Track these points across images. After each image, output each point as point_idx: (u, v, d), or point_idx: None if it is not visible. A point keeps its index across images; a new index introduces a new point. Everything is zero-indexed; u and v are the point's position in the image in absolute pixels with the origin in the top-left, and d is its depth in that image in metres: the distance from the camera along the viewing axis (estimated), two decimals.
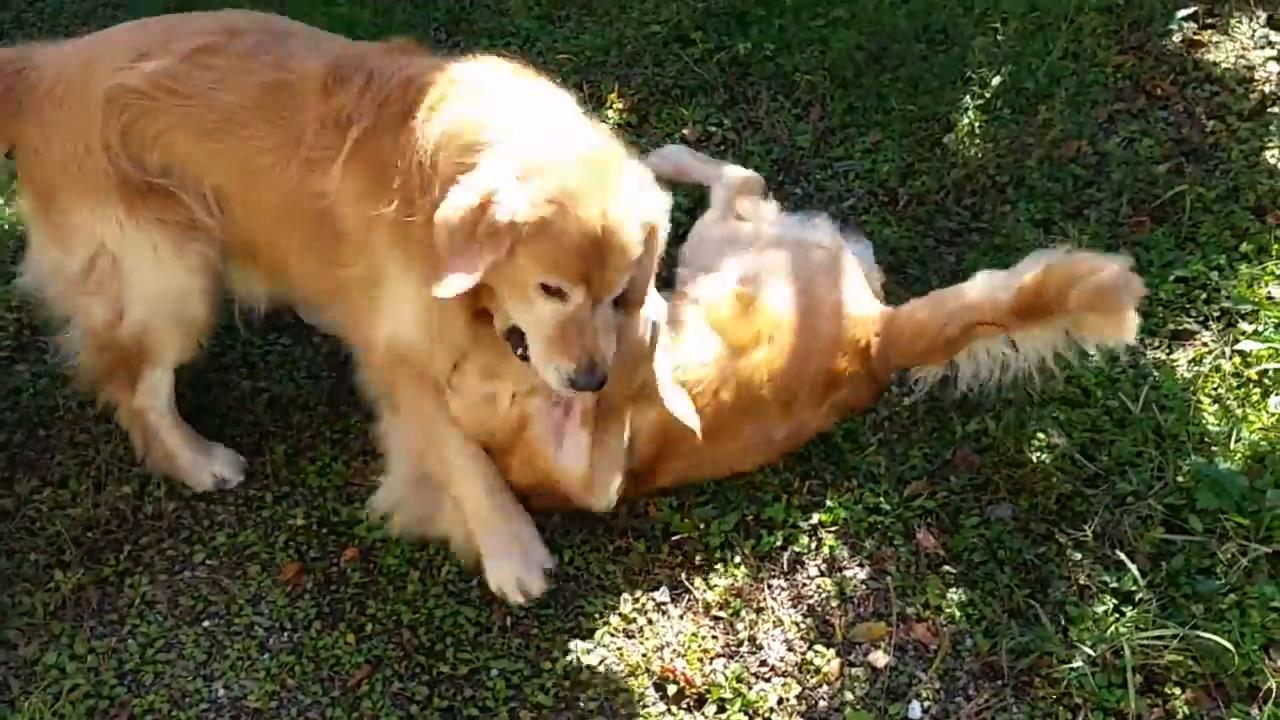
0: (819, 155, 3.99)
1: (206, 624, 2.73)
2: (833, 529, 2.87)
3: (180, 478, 2.97)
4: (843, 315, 3.05)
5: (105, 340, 2.76)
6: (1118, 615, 2.60)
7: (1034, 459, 2.94)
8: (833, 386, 2.99)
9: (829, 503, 2.92)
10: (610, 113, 4.12)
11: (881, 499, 2.90)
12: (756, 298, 3.00)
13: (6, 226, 3.68)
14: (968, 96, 4.02)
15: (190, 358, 2.93)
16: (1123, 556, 2.68)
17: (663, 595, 2.75)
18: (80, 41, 2.74)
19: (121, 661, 2.64)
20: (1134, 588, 2.63)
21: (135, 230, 2.62)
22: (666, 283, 3.19)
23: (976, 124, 3.95)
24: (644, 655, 2.64)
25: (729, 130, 4.08)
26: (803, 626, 2.69)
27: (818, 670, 2.60)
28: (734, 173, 3.63)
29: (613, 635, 2.68)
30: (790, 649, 2.65)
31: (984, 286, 2.97)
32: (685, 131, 4.10)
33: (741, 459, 2.97)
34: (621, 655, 2.64)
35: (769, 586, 2.77)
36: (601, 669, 2.61)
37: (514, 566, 2.65)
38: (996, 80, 4.03)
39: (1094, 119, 3.88)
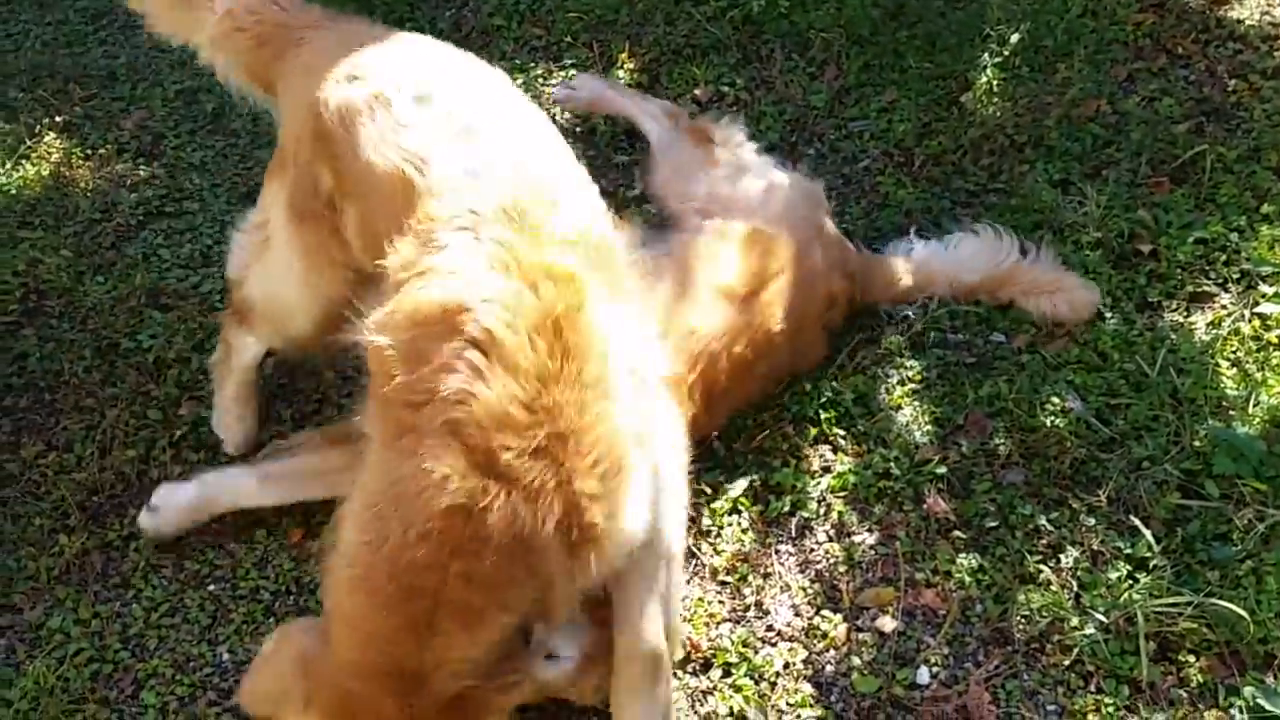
0: (833, 115, 3.92)
1: (211, 588, 2.72)
2: (841, 494, 2.83)
3: (214, 430, 2.98)
4: (838, 237, 3.19)
5: (230, 282, 2.83)
6: (1131, 582, 2.56)
7: (1047, 423, 2.89)
8: (829, 307, 3.07)
9: (838, 468, 2.88)
10: (621, 73, 4.06)
11: (891, 464, 2.86)
12: (773, 236, 2.99)
13: (14, 191, 3.66)
14: (986, 55, 3.94)
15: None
16: (1137, 522, 2.64)
17: None
18: (342, 25, 2.66)
19: (126, 626, 2.64)
20: (1148, 554, 2.59)
21: (287, 236, 2.57)
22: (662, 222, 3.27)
23: (994, 83, 3.87)
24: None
25: (741, 90, 4.02)
26: (810, 592, 2.66)
27: (824, 635, 2.57)
28: (658, 102, 3.67)
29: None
30: (797, 614, 2.63)
31: (952, 263, 3.25)
32: (697, 91, 4.03)
33: (753, 397, 2.97)
34: None
35: (776, 552, 2.74)
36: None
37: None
38: (1015, 38, 3.94)
39: (1113, 78, 3.80)
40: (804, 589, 2.67)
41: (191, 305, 3.33)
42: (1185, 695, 2.40)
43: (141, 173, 3.77)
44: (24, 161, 3.76)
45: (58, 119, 3.92)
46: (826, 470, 2.89)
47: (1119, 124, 3.65)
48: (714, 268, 2.93)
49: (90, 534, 2.79)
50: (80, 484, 2.87)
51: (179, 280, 3.42)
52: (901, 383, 3.07)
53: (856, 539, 2.75)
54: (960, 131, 3.72)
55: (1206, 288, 3.17)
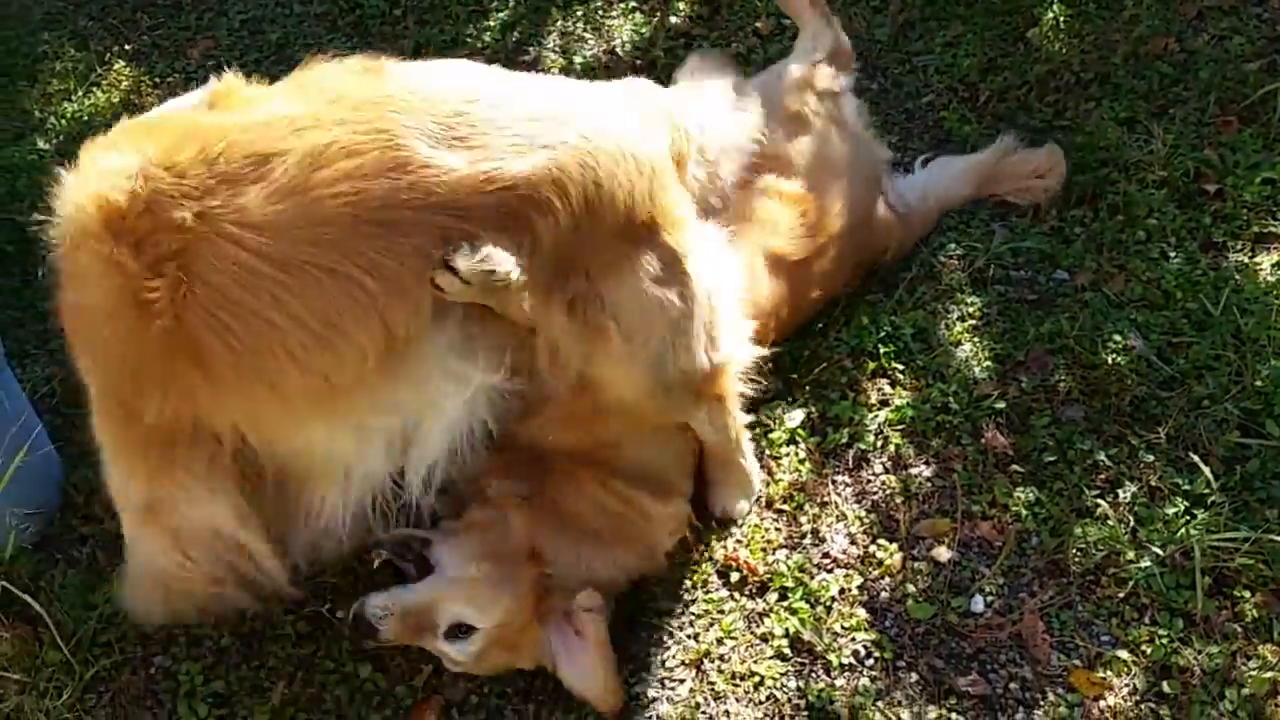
0: (897, 49, 3.88)
1: None
2: (899, 427, 2.85)
3: None
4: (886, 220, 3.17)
5: None
6: (1189, 517, 2.58)
7: (1109, 361, 2.89)
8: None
9: (896, 401, 2.90)
10: (681, 4, 4.05)
11: (950, 399, 2.88)
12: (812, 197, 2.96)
13: (85, 118, 3.74)
14: None
15: None
16: (1196, 459, 2.64)
17: None
18: None
19: None
20: (1206, 490, 2.60)
21: None
22: None
23: (1061, 19, 3.81)
24: (707, 545, 2.67)
25: None
26: (866, 521, 2.70)
27: (880, 563, 2.61)
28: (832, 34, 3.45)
29: None
30: (853, 542, 2.67)
31: (946, 182, 3.34)
32: (759, 24, 4.01)
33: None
34: (685, 543, 2.67)
35: (833, 482, 2.78)
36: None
37: None
38: None
39: (1183, 15, 3.73)
40: (860, 518, 2.71)
41: None
42: (1239, 629, 2.43)
43: None
44: (94, 89, 3.83)
45: (126, 47, 3.98)
46: (884, 404, 2.91)
47: (1187, 62, 3.59)
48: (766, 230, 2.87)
49: None
50: None
51: None
52: (962, 319, 3.08)
53: (913, 471, 2.78)
54: (1026, 68, 3.68)
55: (1273, 228, 3.14)
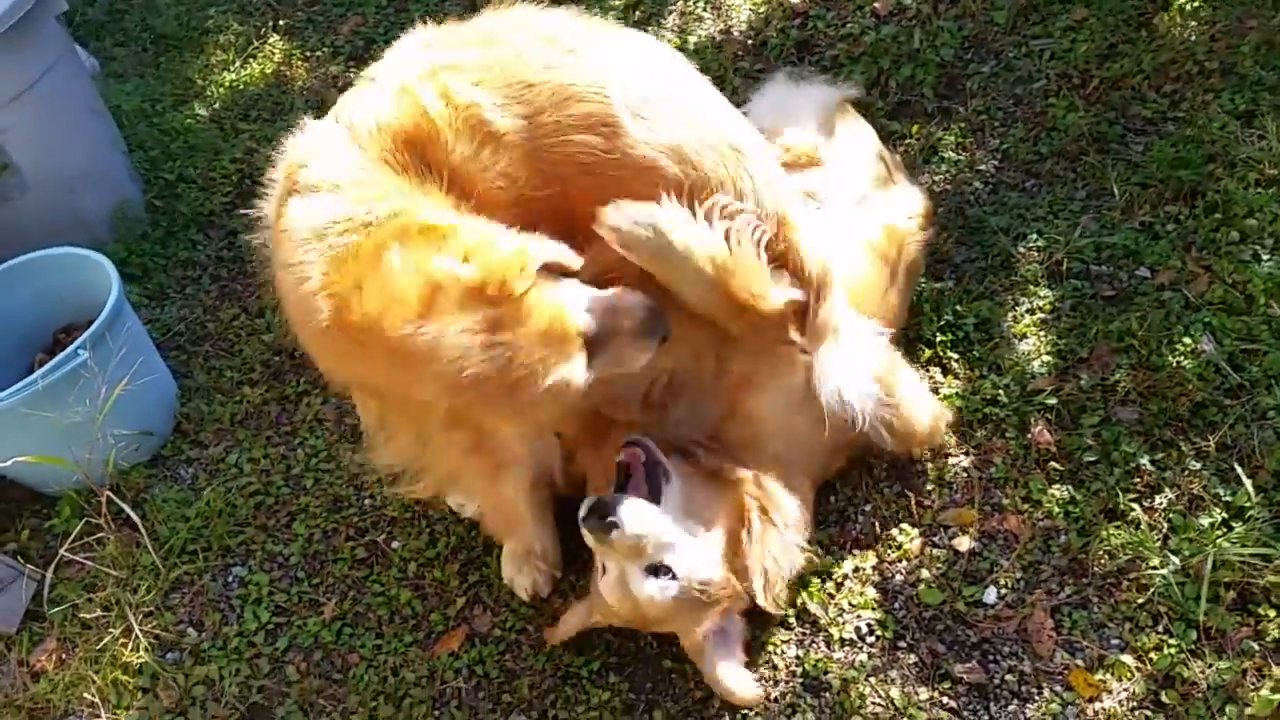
0: (1014, 32, 3.81)
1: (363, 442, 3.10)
2: None
3: None
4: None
5: None
6: (1224, 530, 2.50)
7: (1173, 363, 2.81)
8: None
9: (945, 390, 2.92)
10: None
11: (1000, 392, 2.87)
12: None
13: (240, 87, 4.14)
14: None
15: None
16: (1241, 471, 2.55)
17: None
18: None
19: (289, 467, 3.06)
20: (1246, 504, 2.51)
21: None
22: None
23: (1193, 4, 3.64)
24: None
25: (924, 2, 3.96)
26: (893, 505, 2.74)
27: (898, 546, 2.66)
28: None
29: None
30: (877, 524, 2.72)
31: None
32: (877, 4, 4.02)
33: None
34: None
35: (867, 464, 2.83)
36: None
37: (528, 571, 2.67)
38: None
39: None
40: (888, 501, 2.75)
41: None
42: (1257, 648, 2.35)
43: (352, 75, 4.13)
44: (251, 60, 4.22)
45: (281, 22, 4.36)
46: (934, 391, 2.92)
47: None
48: None
49: (270, 388, 3.24)
50: (266, 345, 3.32)
51: None
52: (1030, 311, 3.05)
53: (951, 460, 2.80)
54: (1145, 55, 3.54)
55: None
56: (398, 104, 2.08)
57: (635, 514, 2.30)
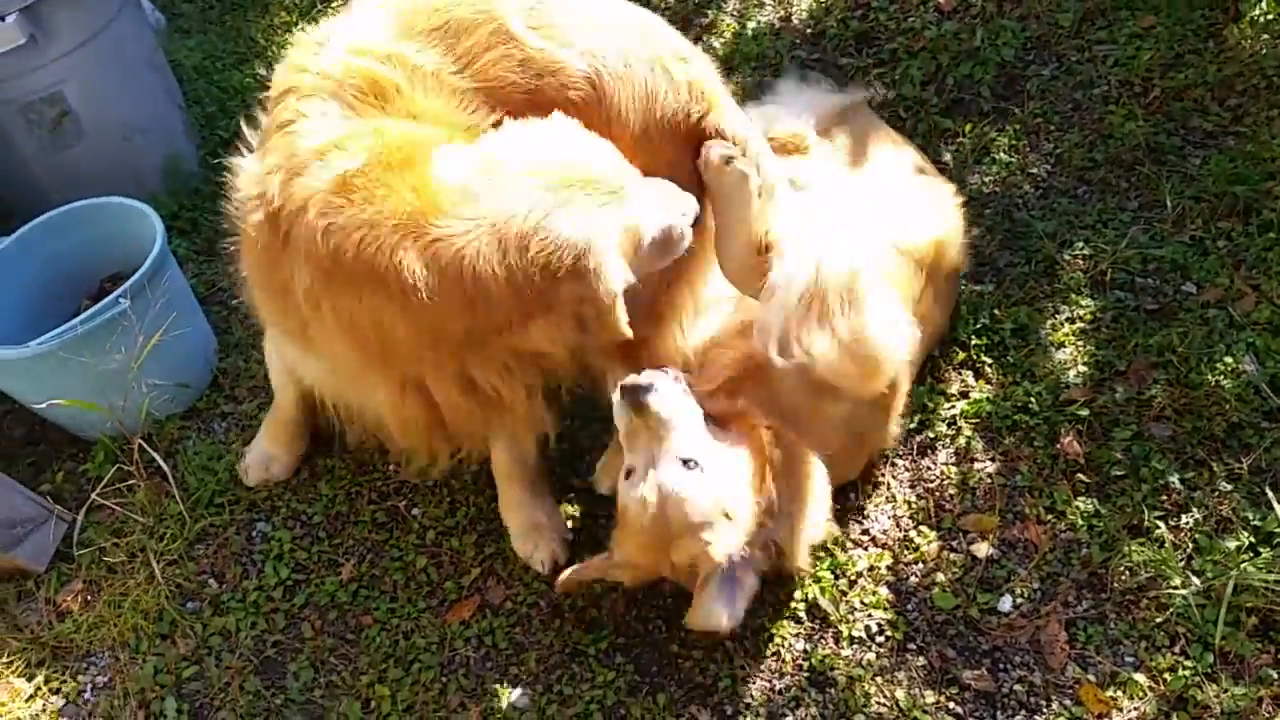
0: (1079, 36, 3.75)
1: None
2: (974, 420, 2.84)
3: None
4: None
5: None
6: (1250, 554, 2.45)
7: (1212, 382, 2.75)
8: None
9: (976, 395, 2.88)
10: None
11: (1032, 399, 2.83)
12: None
13: None
14: None
15: None
16: (1272, 496, 2.50)
17: None
18: None
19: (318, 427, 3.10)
20: (1276, 529, 2.46)
21: None
22: None
23: (1269, 15, 3.54)
24: None
25: (988, 0, 3.91)
26: (914, 506, 2.72)
27: (916, 548, 2.64)
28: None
29: None
30: (896, 525, 2.70)
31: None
32: (940, 0, 3.96)
33: None
34: None
35: (893, 464, 2.81)
36: None
37: (544, 545, 2.68)
38: None
39: None
40: (909, 502, 2.73)
41: None
42: (1276, 676, 2.30)
43: None
44: (314, 22, 4.23)
45: None
46: (964, 395, 2.90)
47: None
48: None
49: None
50: None
51: None
52: (1070, 320, 3.00)
53: (976, 465, 2.77)
54: (1211, 67, 3.47)
55: None
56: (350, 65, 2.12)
57: (669, 392, 2.31)
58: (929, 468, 2.80)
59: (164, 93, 3.75)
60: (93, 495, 2.80)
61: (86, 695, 2.61)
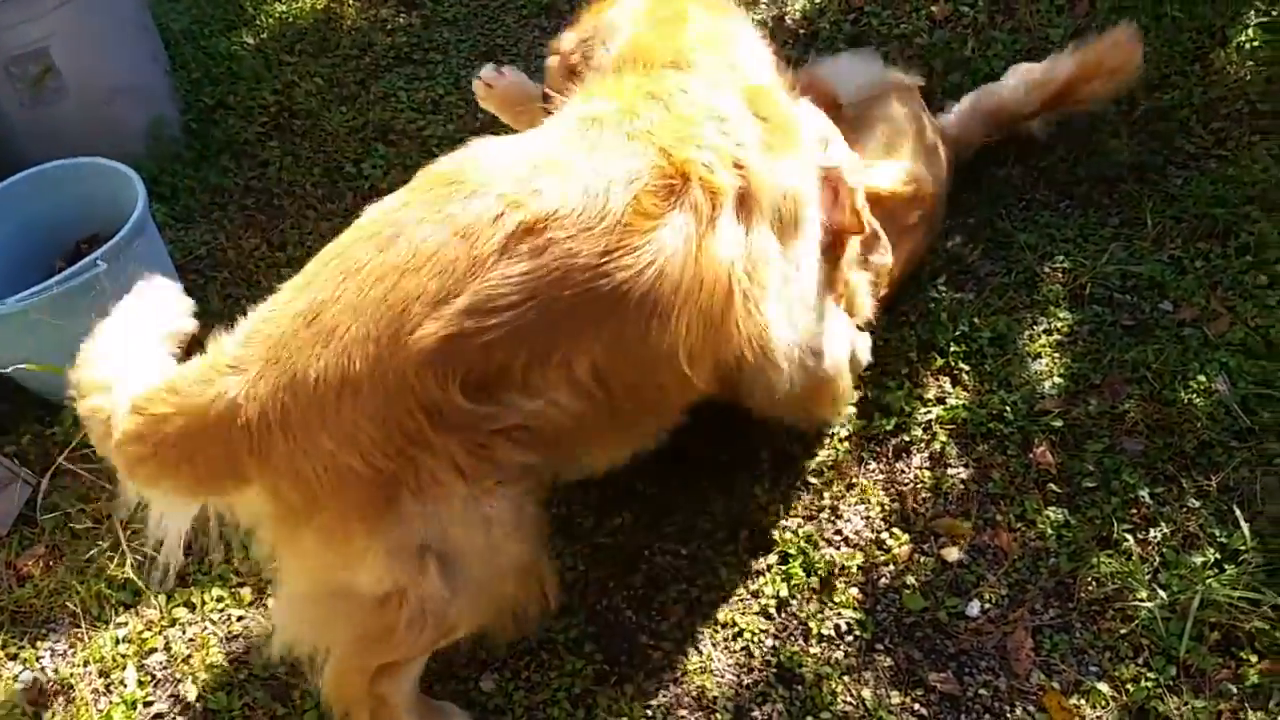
0: None
1: None
2: (949, 426, 2.86)
3: None
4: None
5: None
6: (1216, 570, 2.49)
7: (1185, 399, 2.79)
8: None
9: (952, 401, 2.90)
10: None
11: (1007, 408, 2.85)
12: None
13: (290, 19, 4.13)
14: (1252, 12, 3.66)
15: None
16: (1239, 514, 2.54)
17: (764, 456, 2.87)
18: None
19: None
20: (1242, 546, 2.50)
21: None
22: None
23: (1254, 43, 3.59)
24: (727, 503, 2.78)
25: (980, 11, 3.94)
26: (886, 509, 2.74)
27: (888, 550, 2.66)
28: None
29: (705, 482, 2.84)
30: (868, 525, 2.72)
31: (1018, 86, 3.40)
32: (934, 9, 3.98)
33: None
34: (703, 496, 2.79)
35: (867, 467, 2.83)
36: (684, 505, 2.79)
37: None
38: None
39: None
40: (882, 505, 2.75)
41: (413, 144, 3.70)
42: (1236, 690, 2.34)
43: (400, 20, 4.15)
44: None
45: None
46: (940, 401, 2.92)
47: None
48: None
49: None
50: (284, 278, 3.29)
51: (408, 121, 3.80)
52: (1047, 332, 3.03)
53: (950, 471, 2.79)
54: (1196, 89, 3.51)
55: None
56: None
57: None
58: (903, 471, 2.81)
59: (150, 55, 3.70)
60: (59, 459, 2.75)
61: (45, 661, 2.57)
